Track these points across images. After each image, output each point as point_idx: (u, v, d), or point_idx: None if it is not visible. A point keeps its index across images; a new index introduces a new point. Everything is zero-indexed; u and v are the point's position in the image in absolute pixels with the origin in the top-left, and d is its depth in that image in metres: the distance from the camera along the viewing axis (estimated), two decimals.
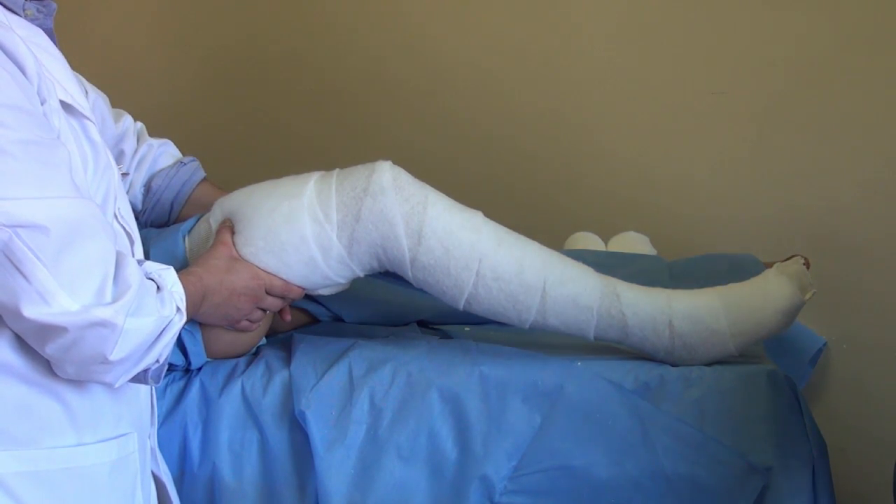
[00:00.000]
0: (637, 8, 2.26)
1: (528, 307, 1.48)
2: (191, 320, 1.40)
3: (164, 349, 1.12)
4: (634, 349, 1.53)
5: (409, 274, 1.48)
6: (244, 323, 1.46)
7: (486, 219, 1.50)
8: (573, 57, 2.32)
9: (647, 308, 1.49)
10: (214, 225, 1.48)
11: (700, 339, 1.48)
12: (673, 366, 1.50)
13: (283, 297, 1.47)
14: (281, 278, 1.45)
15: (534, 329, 1.52)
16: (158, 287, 1.13)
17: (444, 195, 1.49)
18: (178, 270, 1.21)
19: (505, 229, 1.50)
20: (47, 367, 1.08)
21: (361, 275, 1.50)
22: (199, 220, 1.54)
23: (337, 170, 1.49)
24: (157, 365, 1.14)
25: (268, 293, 1.45)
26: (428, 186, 1.49)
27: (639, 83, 2.27)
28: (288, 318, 1.53)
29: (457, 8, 2.40)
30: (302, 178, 1.48)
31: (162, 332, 1.11)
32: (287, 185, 1.48)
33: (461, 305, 1.49)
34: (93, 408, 1.13)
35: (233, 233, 1.45)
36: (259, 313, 1.47)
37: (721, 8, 2.20)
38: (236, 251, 1.43)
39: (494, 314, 1.50)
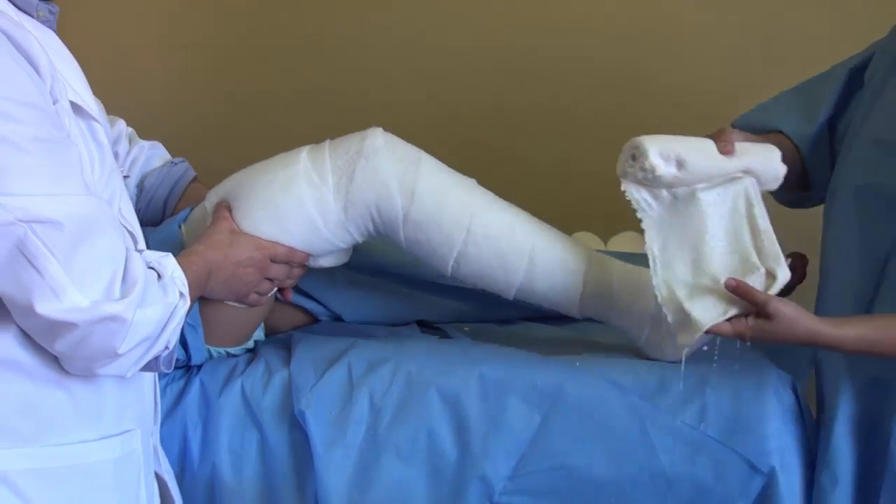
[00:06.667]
0: (638, 7, 2.27)
1: (516, 269, 1.49)
2: (200, 298, 1.41)
3: (171, 336, 1.13)
4: (619, 324, 1.52)
5: (400, 234, 1.49)
6: (253, 296, 1.46)
7: (479, 185, 1.52)
8: (573, 57, 2.32)
9: (635, 276, 1.49)
10: (210, 208, 1.49)
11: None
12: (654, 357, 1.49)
13: (288, 264, 1.47)
14: (284, 245, 1.45)
15: (519, 298, 1.52)
16: (159, 275, 1.14)
17: (436, 159, 1.51)
18: (177, 254, 1.22)
19: (497, 196, 1.52)
20: (53, 363, 1.09)
21: (360, 239, 1.51)
22: (193, 209, 1.55)
23: (328, 140, 1.51)
24: (166, 352, 1.15)
25: (272, 262, 1.45)
26: (421, 150, 1.50)
27: (639, 83, 2.27)
28: (290, 297, 1.53)
29: (455, 7, 2.39)
30: (293, 151, 1.51)
31: (168, 319, 1.12)
32: (279, 158, 1.50)
33: (449, 266, 1.50)
34: (97, 404, 1.13)
35: (230, 210, 1.46)
36: (267, 284, 1.47)
37: (723, 8, 2.20)
38: (236, 226, 1.44)
39: (482, 277, 1.50)
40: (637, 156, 1.42)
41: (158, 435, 1.31)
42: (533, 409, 1.43)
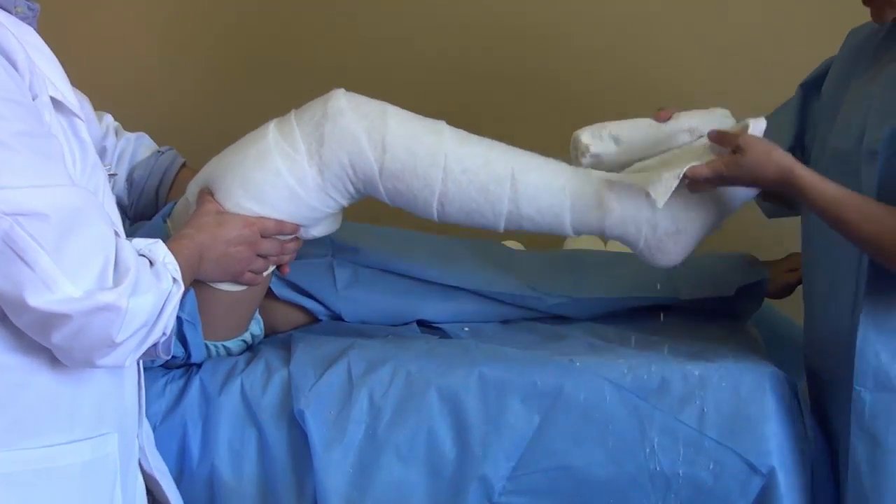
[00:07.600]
0: (640, 7, 2.27)
1: (500, 197, 1.48)
2: (195, 282, 1.41)
3: (168, 322, 1.13)
4: (615, 233, 1.50)
5: (380, 188, 1.49)
6: (247, 275, 1.46)
7: (449, 125, 1.53)
8: (573, 62, 2.32)
9: (621, 180, 1.48)
10: (192, 199, 1.50)
11: (688, 201, 1.45)
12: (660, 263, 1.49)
13: (278, 237, 1.47)
14: (271, 219, 1.46)
15: (509, 227, 1.51)
16: (151, 262, 1.14)
17: (402, 109, 1.52)
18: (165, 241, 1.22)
19: (468, 133, 1.53)
20: (27, 364, 1.08)
21: (344, 202, 1.52)
22: (176, 203, 1.55)
23: (293, 110, 1.52)
24: (164, 338, 1.15)
25: (263, 237, 1.46)
26: (385, 103, 1.51)
27: (640, 82, 2.27)
28: (287, 271, 1.54)
29: (458, 8, 2.40)
30: (261, 127, 1.52)
31: (163, 305, 1.12)
32: (248, 137, 1.52)
33: (435, 210, 1.50)
34: (71, 407, 1.12)
35: (212, 195, 1.46)
36: (260, 262, 1.47)
37: (725, 9, 2.21)
38: (221, 208, 1.45)
39: (468, 213, 1.50)
40: (577, 145, 1.50)
41: (150, 435, 1.31)
42: (532, 409, 1.43)
